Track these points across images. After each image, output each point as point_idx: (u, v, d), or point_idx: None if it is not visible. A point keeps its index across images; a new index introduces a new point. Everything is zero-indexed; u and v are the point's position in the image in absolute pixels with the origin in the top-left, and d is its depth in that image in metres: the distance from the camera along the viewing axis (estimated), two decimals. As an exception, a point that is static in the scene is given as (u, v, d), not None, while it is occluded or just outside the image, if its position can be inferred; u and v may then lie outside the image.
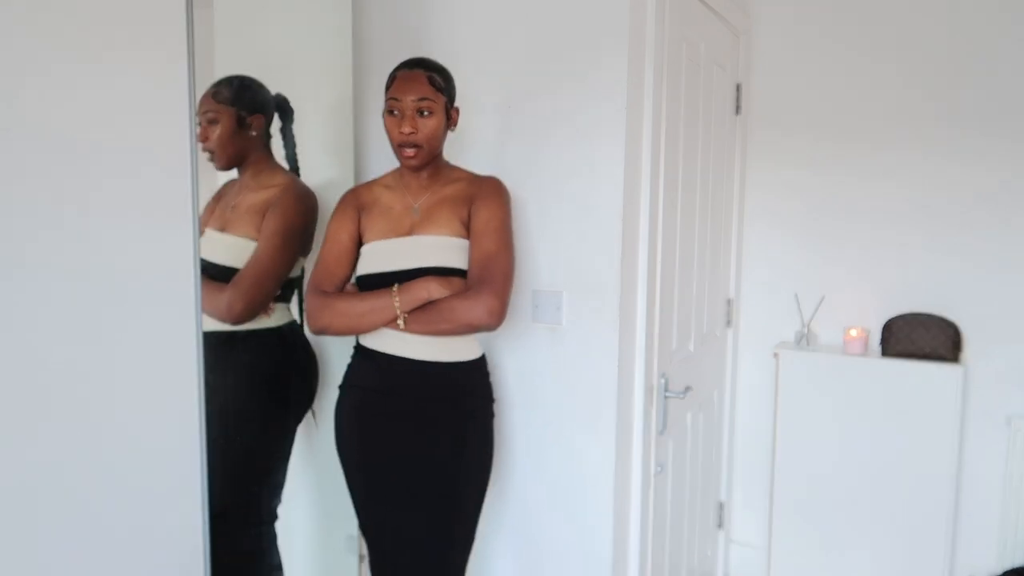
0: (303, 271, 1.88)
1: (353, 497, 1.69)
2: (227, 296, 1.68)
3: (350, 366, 1.71)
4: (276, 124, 1.85)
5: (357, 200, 1.70)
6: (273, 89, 1.83)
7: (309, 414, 1.94)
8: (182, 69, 1.20)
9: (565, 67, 1.81)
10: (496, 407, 1.77)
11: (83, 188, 1.09)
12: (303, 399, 1.92)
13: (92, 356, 1.12)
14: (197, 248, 1.24)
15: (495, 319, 1.53)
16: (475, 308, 1.52)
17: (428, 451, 1.60)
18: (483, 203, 1.61)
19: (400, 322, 1.55)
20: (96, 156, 1.10)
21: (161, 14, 1.17)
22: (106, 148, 1.11)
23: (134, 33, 1.14)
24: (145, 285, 1.18)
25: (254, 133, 1.77)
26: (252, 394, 1.82)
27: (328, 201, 1.91)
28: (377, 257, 1.61)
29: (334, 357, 1.92)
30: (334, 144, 2.05)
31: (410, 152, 1.58)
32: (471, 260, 1.58)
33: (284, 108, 1.86)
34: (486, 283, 1.53)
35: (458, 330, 1.56)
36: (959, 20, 2.40)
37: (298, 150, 1.88)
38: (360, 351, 1.68)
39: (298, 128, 1.89)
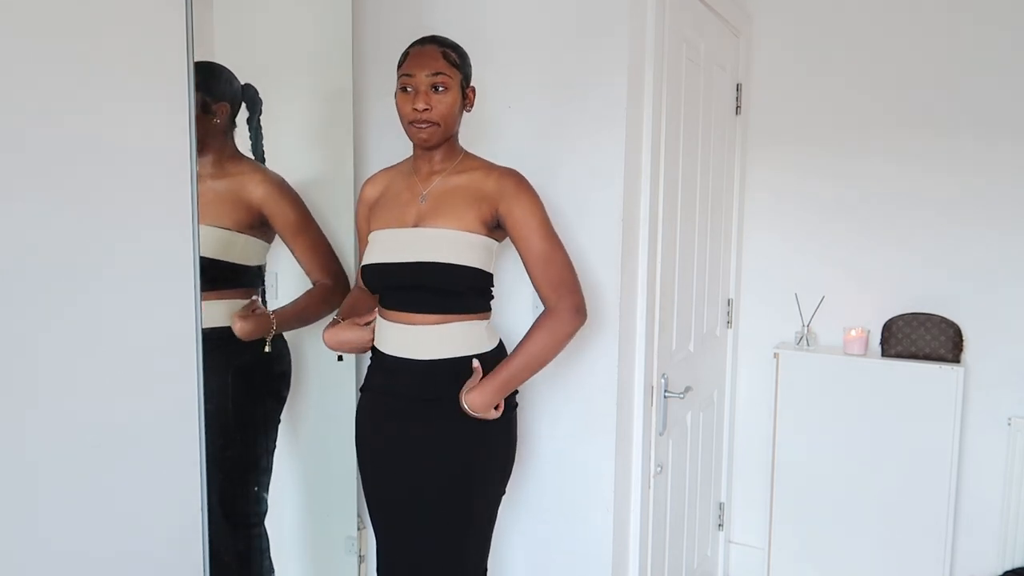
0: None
1: (366, 496, 1.68)
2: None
3: (368, 367, 1.68)
4: (243, 114, 1.80)
5: (368, 192, 1.70)
6: (271, 80, 1.80)
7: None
8: (182, 68, 1.21)
9: (564, 67, 1.81)
10: (517, 399, 1.66)
11: (86, 186, 1.09)
12: (287, 388, 1.93)
13: (94, 350, 1.12)
14: (197, 245, 1.25)
15: (582, 316, 1.57)
16: (564, 325, 1.54)
17: (428, 452, 1.56)
18: (514, 202, 1.55)
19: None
20: (99, 155, 1.10)
21: (161, 14, 1.18)
22: (109, 147, 1.12)
23: (135, 34, 1.14)
24: (147, 280, 1.19)
25: (217, 121, 1.73)
26: (248, 392, 1.82)
27: (327, 194, 1.91)
28: (378, 247, 1.58)
29: (308, 348, 1.92)
30: (333, 134, 2.03)
31: (424, 132, 1.52)
32: (527, 266, 1.56)
33: (253, 99, 1.81)
34: (556, 290, 1.55)
35: (563, 346, 1.58)
36: (960, 21, 2.40)
37: (294, 140, 1.85)
38: (372, 350, 1.64)
39: (296, 119, 1.86)
